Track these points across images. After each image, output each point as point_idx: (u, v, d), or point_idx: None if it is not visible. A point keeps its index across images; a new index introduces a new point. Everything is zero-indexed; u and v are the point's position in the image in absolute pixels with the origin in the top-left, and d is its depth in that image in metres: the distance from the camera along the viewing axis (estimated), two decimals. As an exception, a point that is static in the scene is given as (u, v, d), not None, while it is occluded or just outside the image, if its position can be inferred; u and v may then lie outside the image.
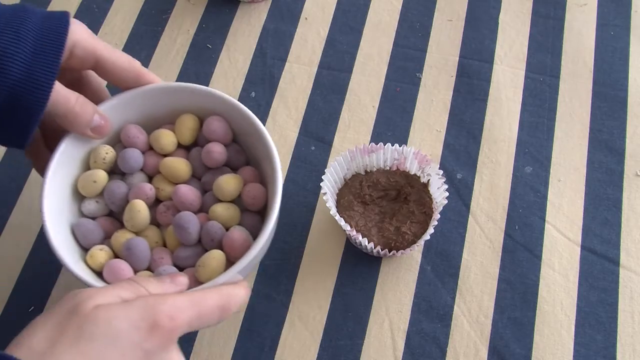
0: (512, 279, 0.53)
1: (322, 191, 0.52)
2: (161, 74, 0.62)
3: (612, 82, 0.62)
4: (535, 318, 0.52)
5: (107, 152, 0.48)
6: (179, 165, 0.48)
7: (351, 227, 0.51)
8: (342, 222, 0.51)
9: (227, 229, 0.47)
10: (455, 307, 0.52)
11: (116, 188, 0.48)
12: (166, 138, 0.49)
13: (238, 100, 0.60)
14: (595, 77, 0.62)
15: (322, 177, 0.52)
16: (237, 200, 0.49)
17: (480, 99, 0.61)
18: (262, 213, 0.49)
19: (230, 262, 0.45)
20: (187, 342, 0.51)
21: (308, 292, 0.53)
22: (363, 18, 0.65)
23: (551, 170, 0.58)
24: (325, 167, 0.57)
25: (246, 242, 0.45)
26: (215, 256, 0.45)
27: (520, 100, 0.61)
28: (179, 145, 0.51)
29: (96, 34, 0.64)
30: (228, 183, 0.47)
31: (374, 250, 0.51)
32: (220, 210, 0.47)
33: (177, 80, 0.61)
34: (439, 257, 0.54)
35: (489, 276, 0.53)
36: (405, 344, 0.51)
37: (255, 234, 0.46)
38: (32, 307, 0.52)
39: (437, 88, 0.61)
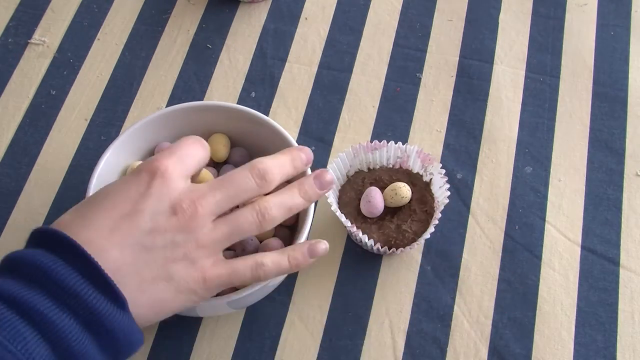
0: (512, 279, 0.53)
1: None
2: (161, 74, 0.62)
3: (612, 82, 0.62)
4: (535, 318, 0.52)
5: None
6: (201, 174, 0.51)
7: (352, 223, 0.51)
8: (342, 218, 0.51)
9: (261, 242, 0.50)
10: (455, 307, 0.52)
11: None
12: None
13: (238, 101, 0.61)
14: (595, 77, 0.62)
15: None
16: None
17: (480, 99, 0.61)
18: (291, 228, 0.52)
19: None
20: (187, 342, 0.51)
21: (308, 292, 0.52)
22: (363, 18, 0.65)
23: (551, 170, 0.58)
24: (325, 167, 0.57)
25: None
26: None
27: (520, 100, 0.61)
28: (213, 163, 0.54)
29: (96, 34, 0.64)
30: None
31: (374, 248, 0.51)
32: None
33: (177, 81, 0.61)
34: (439, 257, 0.54)
35: (489, 276, 0.53)
36: (405, 344, 0.51)
37: (286, 245, 0.50)
38: (32, 307, 0.52)
39: (437, 88, 0.61)
